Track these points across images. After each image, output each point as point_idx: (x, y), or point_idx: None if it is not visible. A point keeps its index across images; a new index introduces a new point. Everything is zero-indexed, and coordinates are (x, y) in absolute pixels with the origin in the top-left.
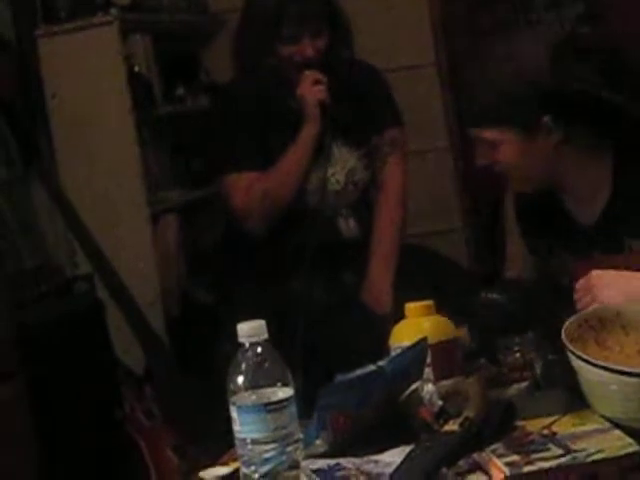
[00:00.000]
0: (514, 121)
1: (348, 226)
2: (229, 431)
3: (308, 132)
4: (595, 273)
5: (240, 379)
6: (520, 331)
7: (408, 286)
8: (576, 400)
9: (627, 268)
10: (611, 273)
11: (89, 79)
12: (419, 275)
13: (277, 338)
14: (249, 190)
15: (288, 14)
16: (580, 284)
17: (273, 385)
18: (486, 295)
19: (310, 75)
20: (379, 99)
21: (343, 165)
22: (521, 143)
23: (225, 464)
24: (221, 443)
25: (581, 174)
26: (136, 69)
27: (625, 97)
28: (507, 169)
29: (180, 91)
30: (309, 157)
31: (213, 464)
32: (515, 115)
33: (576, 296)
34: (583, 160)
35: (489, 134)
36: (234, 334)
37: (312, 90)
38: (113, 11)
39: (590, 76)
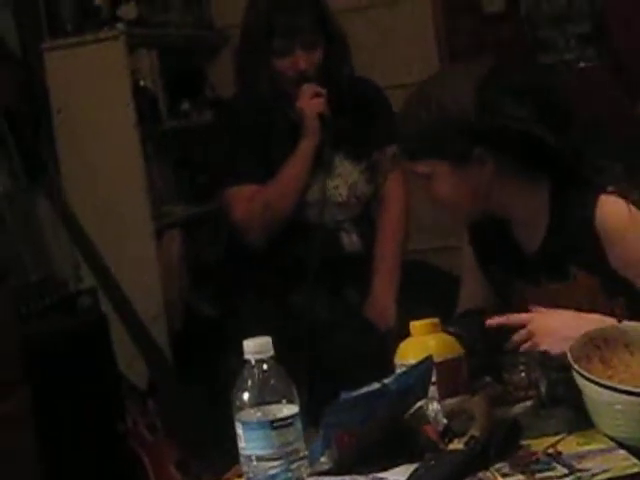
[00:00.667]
0: (444, 154)
1: (351, 240)
2: (233, 446)
3: (307, 144)
4: (533, 318)
5: (246, 396)
6: (482, 363)
7: (412, 303)
8: (581, 419)
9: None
10: (549, 318)
11: (94, 93)
12: (423, 292)
13: (280, 352)
14: (250, 202)
15: (278, 26)
16: (520, 318)
17: (279, 402)
18: (446, 329)
19: (309, 88)
20: (380, 115)
21: (346, 179)
22: (454, 175)
23: None
24: (224, 459)
25: (519, 203)
26: (142, 83)
27: (552, 130)
28: (445, 202)
29: (185, 106)
30: (309, 169)
31: None
32: (445, 148)
33: (516, 337)
34: (520, 190)
35: (421, 167)
36: (238, 348)
37: (311, 103)
38: (119, 26)
39: (516, 110)
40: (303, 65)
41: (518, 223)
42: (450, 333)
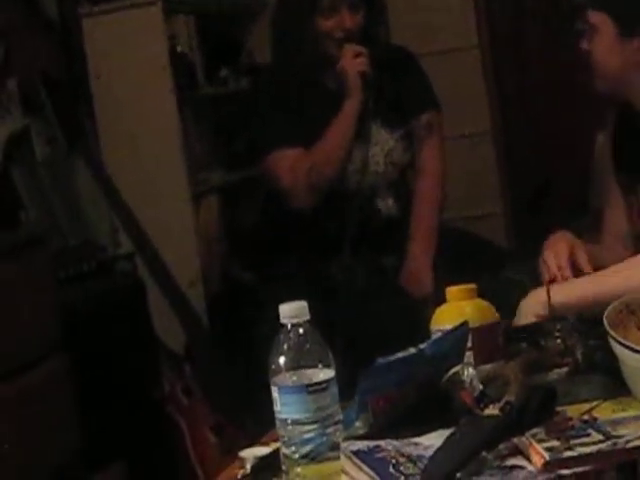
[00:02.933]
0: (615, 14)
1: (387, 206)
2: (268, 411)
3: (351, 104)
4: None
5: (281, 360)
6: None
7: (448, 269)
8: (617, 386)
9: None
10: None
11: (132, 59)
12: (459, 258)
13: (317, 319)
14: (294, 167)
15: None
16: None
17: (314, 366)
18: (508, 275)
19: (351, 48)
20: (414, 82)
21: (382, 146)
22: (616, 41)
23: (265, 444)
24: (260, 423)
25: None
26: (179, 49)
27: None
28: (596, 60)
29: (223, 72)
30: (352, 131)
31: (252, 444)
32: (618, 9)
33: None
34: None
35: (593, 17)
36: (275, 314)
37: (353, 62)
38: None
39: None
40: (349, 24)
41: None
42: (512, 280)
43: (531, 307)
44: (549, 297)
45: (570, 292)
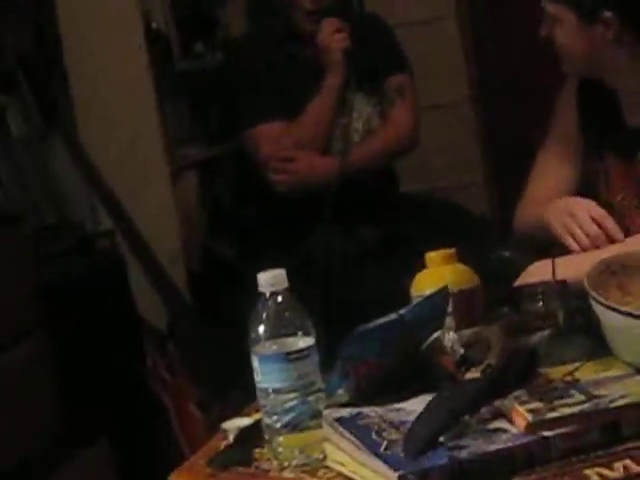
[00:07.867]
0: (575, 5)
1: (366, 175)
2: (253, 385)
3: (332, 81)
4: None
5: (261, 328)
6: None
7: (433, 240)
8: (599, 347)
9: None
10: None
11: (107, 35)
12: (443, 229)
13: (298, 291)
14: (278, 141)
15: None
16: None
17: (294, 334)
18: (498, 252)
19: (331, 23)
20: (384, 46)
21: (360, 114)
22: (578, 29)
23: (247, 415)
24: (245, 397)
25: (633, 75)
26: (154, 26)
27: None
28: (560, 48)
29: (199, 47)
30: (336, 106)
31: (234, 415)
32: (577, 1)
33: None
34: (634, 59)
35: (551, 8)
36: (256, 288)
37: (334, 38)
38: None
39: None
40: None
41: (626, 93)
42: (504, 258)
43: None
44: (554, 272)
45: (578, 267)
